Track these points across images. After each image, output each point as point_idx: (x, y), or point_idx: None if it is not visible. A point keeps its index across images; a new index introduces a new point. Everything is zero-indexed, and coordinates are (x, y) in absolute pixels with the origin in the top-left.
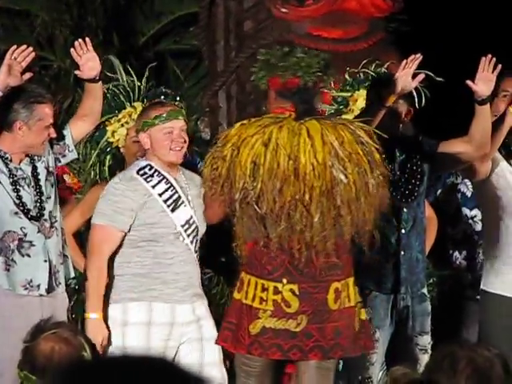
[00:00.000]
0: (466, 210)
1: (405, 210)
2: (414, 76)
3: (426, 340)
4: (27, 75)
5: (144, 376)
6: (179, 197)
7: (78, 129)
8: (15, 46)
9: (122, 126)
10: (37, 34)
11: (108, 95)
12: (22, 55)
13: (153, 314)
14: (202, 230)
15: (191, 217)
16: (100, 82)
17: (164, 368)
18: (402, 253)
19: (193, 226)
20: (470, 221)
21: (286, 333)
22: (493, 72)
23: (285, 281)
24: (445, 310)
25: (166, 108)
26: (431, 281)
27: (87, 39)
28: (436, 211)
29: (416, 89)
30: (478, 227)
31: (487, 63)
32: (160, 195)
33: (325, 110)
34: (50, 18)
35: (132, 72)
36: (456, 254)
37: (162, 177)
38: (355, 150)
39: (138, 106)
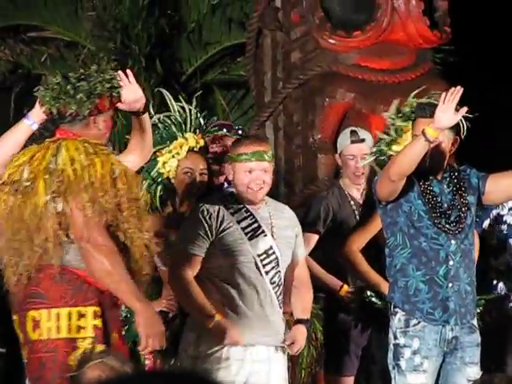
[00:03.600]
0: (511, 242)
1: (453, 241)
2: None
3: (475, 371)
4: None
5: None
6: (259, 226)
7: (129, 163)
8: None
9: (173, 157)
10: (82, 62)
11: (160, 125)
12: None
13: None
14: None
15: (271, 247)
16: (146, 114)
17: None
18: (450, 285)
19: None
20: None
21: None
22: None
23: None
24: (490, 340)
25: (252, 147)
26: (478, 310)
27: (128, 71)
28: (480, 242)
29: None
30: None
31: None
32: (238, 222)
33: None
34: (95, 47)
35: (184, 103)
36: (500, 285)
37: (242, 206)
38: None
39: (190, 136)
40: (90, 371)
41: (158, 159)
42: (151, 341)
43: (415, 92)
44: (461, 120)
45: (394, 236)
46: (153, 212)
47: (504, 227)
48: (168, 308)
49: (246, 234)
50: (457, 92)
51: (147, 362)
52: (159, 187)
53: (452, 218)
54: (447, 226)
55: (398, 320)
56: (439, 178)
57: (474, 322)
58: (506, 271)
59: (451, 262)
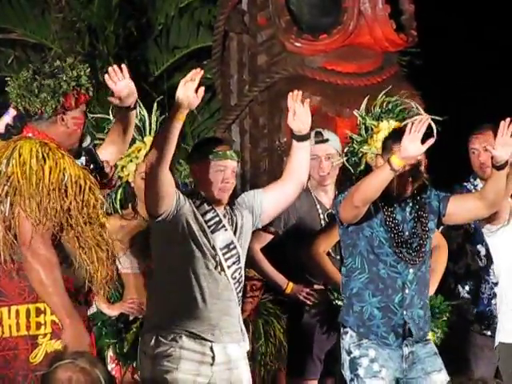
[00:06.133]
0: (468, 246)
1: (411, 270)
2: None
3: (441, 378)
4: None
5: None
6: (220, 220)
7: (109, 155)
8: None
9: (131, 161)
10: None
11: None
12: None
13: None
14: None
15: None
16: (134, 111)
17: None
18: (405, 312)
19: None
20: (475, 256)
21: None
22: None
23: None
24: (451, 344)
25: (222, 146)
26: (445, 318)
27: (123, 66)
28: None
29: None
30: (482, 263)
31: (506, 127)
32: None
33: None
34: (62, 49)
35: (142, 106)
36: (459, 288)
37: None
38: None
39: (149, 141)
40: (61, 371)
41: (117, 163)
42: None
43: (385, 91)
44: (431, 125)
45: (352, 258)
46: (113, 215)
47: (460, 231)
48: (129, 311)
49: (209, 226)
50: (424, 122)
51: (113, 365)
52: (119, 191)
53: (412, 247)
54: (407, 255)
55: (350, 336)
56: (403, 204)
57: (427, 336)
58: (465, 275)
59: (407, 291)
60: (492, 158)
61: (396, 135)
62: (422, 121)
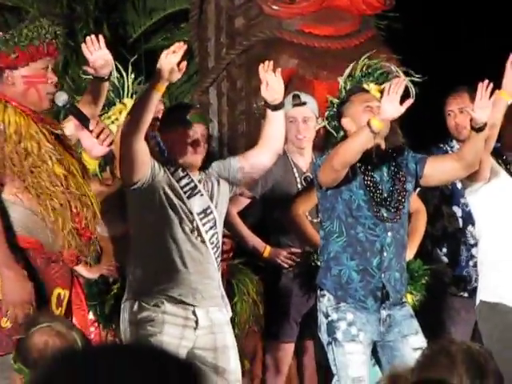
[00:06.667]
0: (445, 208)
1: (389, 233)
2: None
3: (418, 340)
4: None
5: (130, 365)
6: (195, 186)
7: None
8: None
9: (113, 123)
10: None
11: None
12: None
13: None
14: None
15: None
16: (107, 82)
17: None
18: (383, 275)
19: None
20: (452, 218)
21: None
22: (489, 98)
23: None
24: (429, 307)
25: (191, 112)
26: (423, 281)
27: (100, 36)
28: None
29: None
30: (458, 225)
31: (484, 90)
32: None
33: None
34: (39, 12)
35: (121, 68)
36: (437, 250)
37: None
38: None
39: (128, 102)
40: (37, 336)
41: None
42: (13, 309)
43: (366, 55)
44: (409, 86)
45: (330, 221)
46: (93, 179)
47: (437, 193)
48: (108, 273)
49: (185, 192)
50: (401, 83)
51: (92, 328)
52: None
53: (391, 205)
54: (385, 214)
55: (327, 300)
56: (380, 165)
57: (404, 299)
58: (442, 237)
59: (385, 254)
60: (471, 120)
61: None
62: (399, 82)
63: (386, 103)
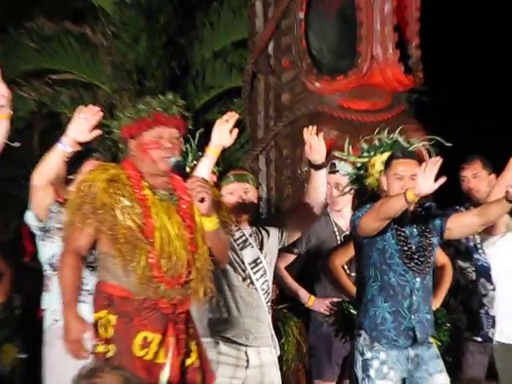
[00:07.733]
0: (459, 262)
1: (418, 279)
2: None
3: (443, 378)
4: (96, 132)
5: None
6: (246, 239)
7: None
8: (83, 106)
9: None
10: (99, 103)
11: None
12: (90, 113)
13: None
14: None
15: (258, 257)
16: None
17: None
18: (413, 317)
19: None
20: (464, 272)
21: None
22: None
23: None
24: (448, 350)
25: (234, 171)
26: (446, 327)
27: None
28: None
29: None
30: (471, 278)
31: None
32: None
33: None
34: (111, 88)
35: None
36: (452, 300)
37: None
38: None
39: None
40: (110, 376)
41: None
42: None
43: (376, 131)
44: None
45: (366, 268)
46: None
47: (451, 250)
48: None
49: (238, 245)
50: (436, 162)
51: None
52: None
53: (419, 259)
54: (415, 266)
55: (363, 339)
56: (410, 221)
57: (430, 340)
58: (455, 288)
59: (414, 297)
60: (506, 192)
61: (391, 157)
62: (435, 162)
63: (422, 180)
